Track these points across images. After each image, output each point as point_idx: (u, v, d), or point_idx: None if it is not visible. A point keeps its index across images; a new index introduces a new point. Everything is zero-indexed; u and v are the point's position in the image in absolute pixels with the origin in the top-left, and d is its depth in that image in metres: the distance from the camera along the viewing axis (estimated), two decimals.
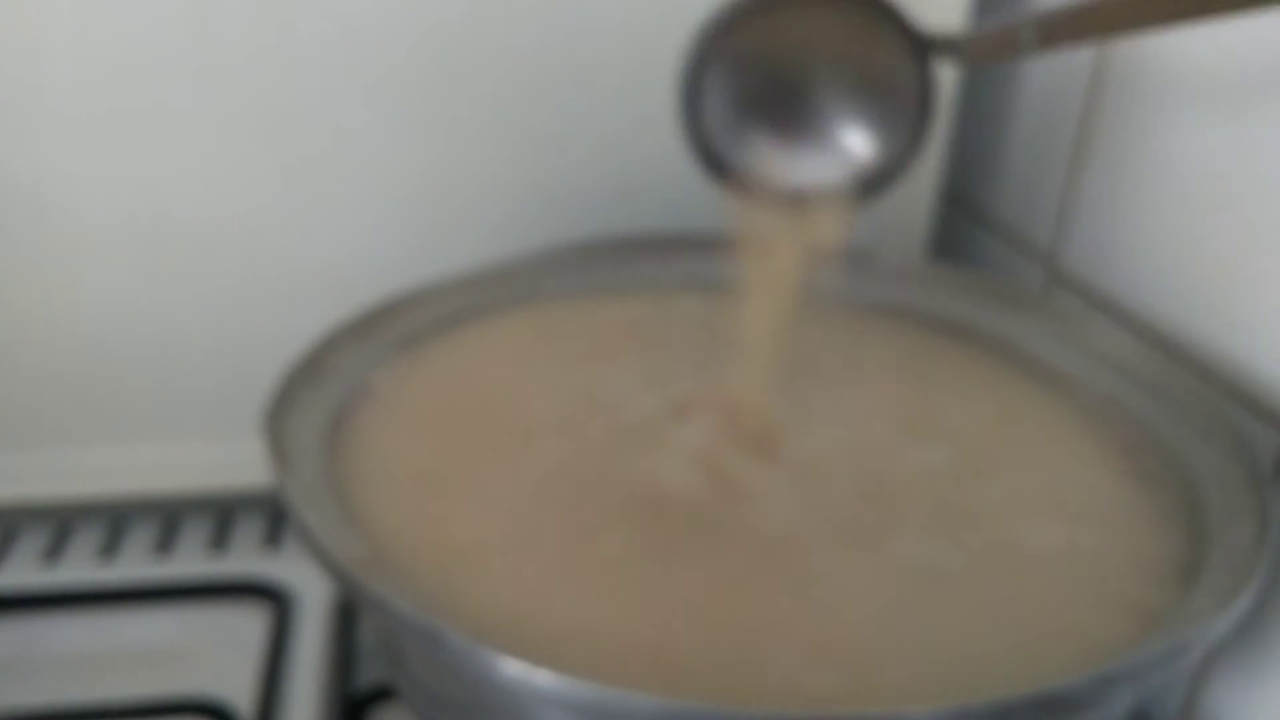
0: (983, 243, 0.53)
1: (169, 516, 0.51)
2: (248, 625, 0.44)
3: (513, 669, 0.24)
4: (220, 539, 0.49)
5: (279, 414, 0.33)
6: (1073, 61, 0.46)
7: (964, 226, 0.55)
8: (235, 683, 0.41)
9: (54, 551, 0.48)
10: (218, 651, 0.43)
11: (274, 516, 0.51)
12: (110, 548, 0.49)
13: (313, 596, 0.45)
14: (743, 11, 0.35)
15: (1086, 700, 0.24)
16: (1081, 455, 0.36)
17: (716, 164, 0.37)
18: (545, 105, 0.46)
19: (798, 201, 0.36)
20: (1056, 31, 0.30)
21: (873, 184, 0.36)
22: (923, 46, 0.35)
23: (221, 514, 0.51)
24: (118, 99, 0.43)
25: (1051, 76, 0.48)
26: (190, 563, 0.48)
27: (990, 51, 0.34)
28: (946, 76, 0.48)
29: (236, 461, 0.46)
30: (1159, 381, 0.37)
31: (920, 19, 0.35)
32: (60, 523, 0.50)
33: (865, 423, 0.38)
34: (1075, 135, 0.46)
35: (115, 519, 0.51)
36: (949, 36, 0.35)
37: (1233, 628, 0.27)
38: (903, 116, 0.36)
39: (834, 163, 0.36)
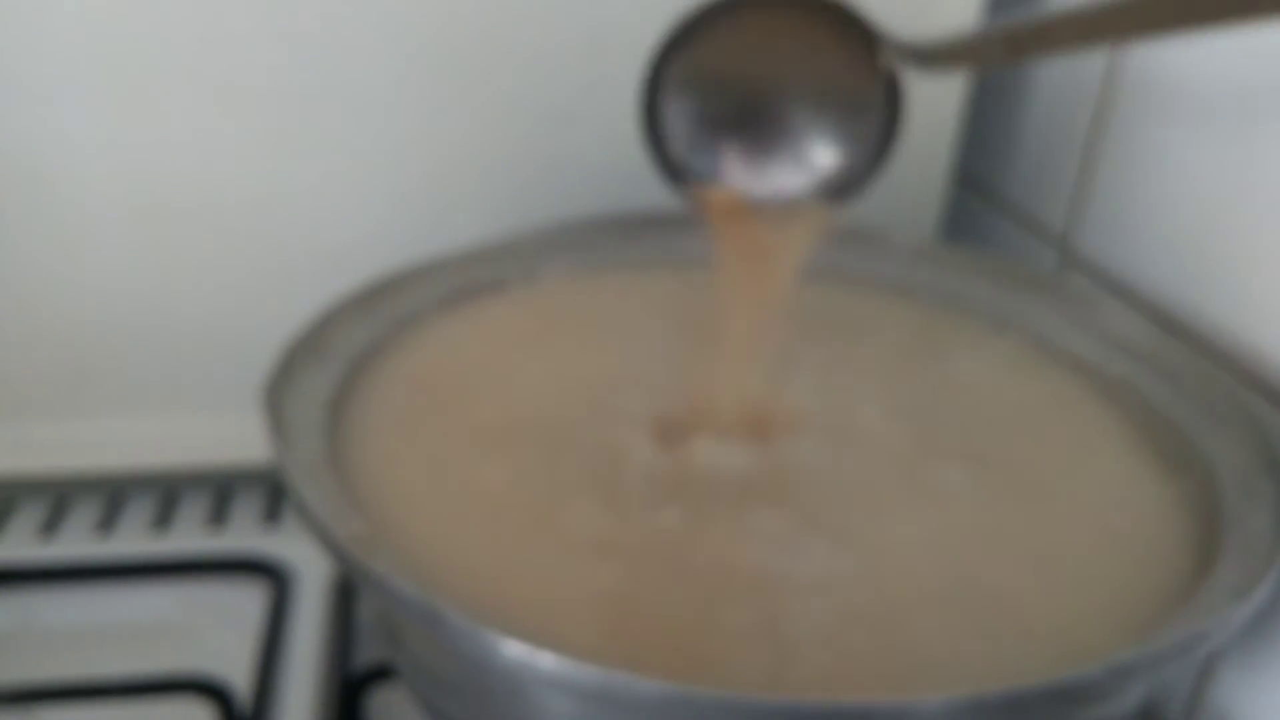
0: (995, 225, 0.53)
1: (168, 491, 0.50)
2: (246, 602, 0.43)
3: (514, 651, 0.24)
4: (219, 515, 0.49)
5: (279, 389, 0.33)
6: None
7: (976, 208, 0.54)
8: (232, 660, 0.40)
9: (51, 525, 0.48)
10: (215, 628, 0.43)
11: (273, 493, 0.50)
12: (108, 522, 0.48)
13: (312, 574, 0.44)
14: (698, 26, 0.34)
15: (1101, 691, 0.24)
16: (1097, 438, 0.36)
17: (681, 176, 0.35)
18: (553, 80, 0.45)
19: (762, 211, 0.35)
20: (1024, 44, 0.29)
21: (843, 191, 0.35)
22: (885, 53, 0.33)
23: (221, 490, 0.51)
24: (119, 70, 0.42)
25: (1068, 58, 0.47)
26: (189, 538, 0.47)
27: (954, 60, 0.33)
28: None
29: (236, 437, 0.45)
30: (1174, 366, 0.37)
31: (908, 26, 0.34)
32: (58, 496, 0.50)
33: (874, 404, 0.38)
34: (1091, 117, 0.45)
35: (113, 493, 0.50)
36: (913, 44, 0.33)
37: (1250, 619, 0.26)
38: (871, 123, 0.35)
39: (802, 173, 0.35)
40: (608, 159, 0.46)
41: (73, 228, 0.44)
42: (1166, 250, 0.40)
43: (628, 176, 0.46)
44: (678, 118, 0.35)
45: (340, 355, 0.36)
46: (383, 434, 0.34)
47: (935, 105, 0.48)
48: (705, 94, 0.35)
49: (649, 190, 0.46)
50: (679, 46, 0.34)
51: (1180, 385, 0.36)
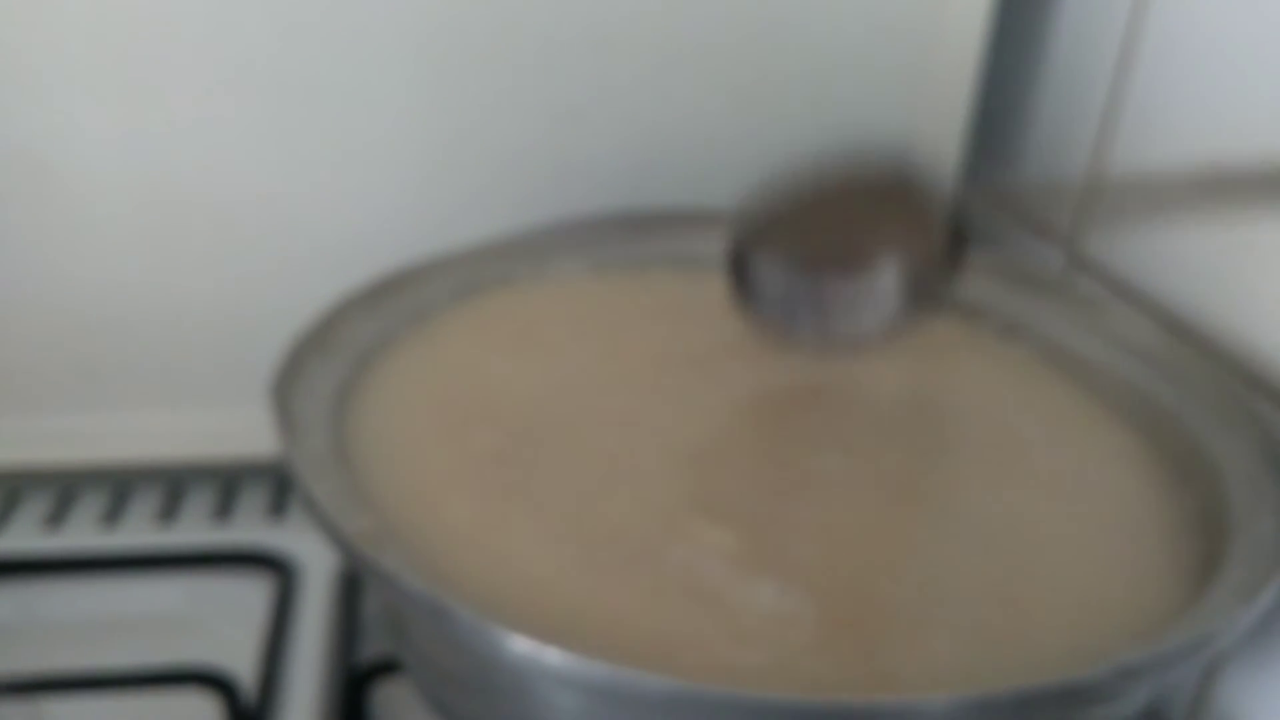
0: (1002, 225, 0.53)
1: (173, 484, 0.50)
2: (251, 595, 0.44)
3: (521, 646, 0.24)
4: (225, 508, 0.49)
5: (287, 383, 0.33)
6: (1099, 44, 0.45)
7: (984, 209, 0.54)
8: (237, 652, 0.40)
9: (57, 517, 0.48)
10: (220, 621, 0.43)
11: (279, 486, 0.50)
12: (114, 514, 0.48)
13: (317, 567, 0.44)
14: (780, 210, 0.37)
15: (1108, 691, 0.24)
16: (1102, 440, 0.36)
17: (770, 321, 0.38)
18: (561, 78, 0.45)
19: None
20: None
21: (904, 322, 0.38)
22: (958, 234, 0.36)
23: (226, 482, 0.51)
24: (128, 65, 0.42)
25: (1077, 59, 0.47)
26: (194, 531, 0.47)
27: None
28: (968, 56, 0.47)
29: (242, 430, 0.46)
30: (1180, 369, 0.37)
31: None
32: (64, 488, 0.50)
33: (881, 405, 0.38)
34: (1099, 119, 0.45)
35: (119, 485, 0.50)
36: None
37: (1255, 621, 0.26)
38: (933, 265, 0.37)
39: (874, 310, 0.38)
40: (616, 157, 0.46)
41: (79, 220, 0.45)
42: (1173, 253, 0.40)
43: (636, 175, 0.47)
44: (763, 285, 0.38)
45: (348, 350, 0.37)
46: (390, 429, 0.34)
47: (943, 107, 0.48)
48: (788, 262, 0.38)
49: (657, 189, 0.47)
50: (761, 231, 0.37)
51: (1187, 388, 0.36)
